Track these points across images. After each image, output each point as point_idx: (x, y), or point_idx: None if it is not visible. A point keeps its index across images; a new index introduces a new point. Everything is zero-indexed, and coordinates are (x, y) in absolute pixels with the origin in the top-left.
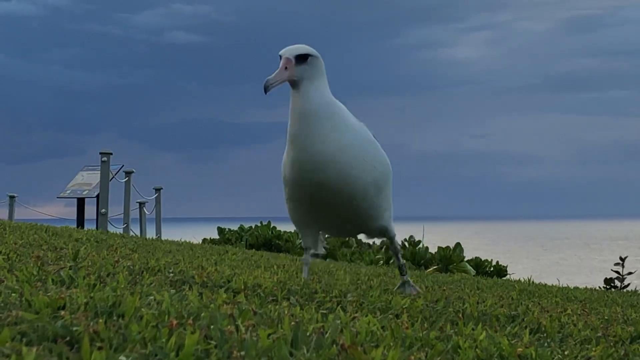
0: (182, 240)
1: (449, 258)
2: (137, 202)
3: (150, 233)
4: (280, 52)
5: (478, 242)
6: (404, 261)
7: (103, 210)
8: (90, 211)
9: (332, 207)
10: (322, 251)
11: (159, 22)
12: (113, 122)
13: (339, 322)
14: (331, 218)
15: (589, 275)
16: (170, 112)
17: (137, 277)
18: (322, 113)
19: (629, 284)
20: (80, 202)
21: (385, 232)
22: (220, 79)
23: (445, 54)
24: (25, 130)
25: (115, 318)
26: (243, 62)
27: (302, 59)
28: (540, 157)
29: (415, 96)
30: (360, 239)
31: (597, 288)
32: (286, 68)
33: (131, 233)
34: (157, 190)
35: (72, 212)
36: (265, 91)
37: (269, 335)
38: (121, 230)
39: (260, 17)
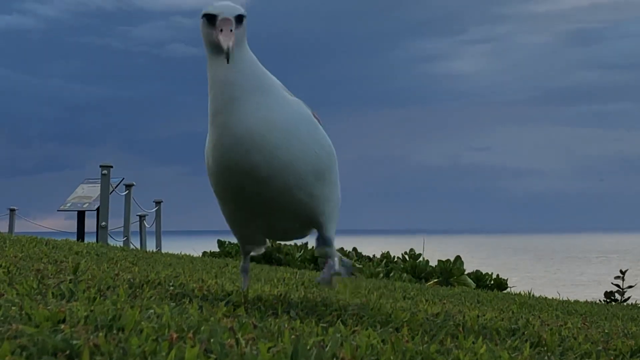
0: (183, 253)
1: (449, 271)
2: (137, 215)
3: (151, 246)
4: (213, 11)
5: (478, 255)
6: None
7: (103, 223)
8: (90, 224)
9: (263, 200)
10: (262, 250)
11: (159, 34)
12: (113, 135)
13: (339, 335)
14: (263, 215)
15: (589, 288)
16: (170, 124)
17: (138, 290)
18: (251, 84)
19: (629, 297)
20: (81, 215)
21: (320, 229)
22: None
23: (445, 66)
24: (26, 143)
25: (115, 331)
26: None
27: (239, 20)
28: (541, 170)
29: (416, 109)
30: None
31: (598, 301)
32: (230, 30)
33: (131, 246)
34: (158, 203)
35: (72, 225)
36: (228, 60)
37: (269, 348)
38: (121, 244)
39: (259, 30)
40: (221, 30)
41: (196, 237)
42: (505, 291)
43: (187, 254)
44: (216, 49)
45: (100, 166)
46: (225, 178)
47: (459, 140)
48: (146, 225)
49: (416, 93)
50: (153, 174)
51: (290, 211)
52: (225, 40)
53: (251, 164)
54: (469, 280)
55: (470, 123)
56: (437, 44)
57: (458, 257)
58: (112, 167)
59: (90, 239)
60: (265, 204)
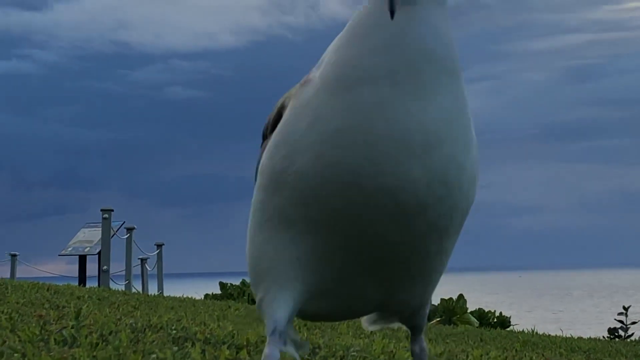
0: (185, 296)
1: (452, 310)
2: (139, 258)
3: (153, 289)
4: None
5: (481, 292)
6: None
7: (105, 267)
8: (92, 268)
9: (391, 245)
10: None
11: (158, 77)
12: (114, 179)
13: None
14: (375, 269)
15: (592, 324)
16: (171, 167)
17: (140, 334)
18: (443, 59)
19: (632, 334)
20: (82, 260)
21: (420, 306)
22: (220, 134)
23: None
24: (27, 187)
25: None
26: (242, 117)
27: None
28: (542, 206)
29: None
30: None
31: (601, 338)
32: None
33: (133, 289)
34: (159, 246)
35: (74, 270)
36: (393, 14)
37: None
38: (123, 287)
39: (259, 71)
40: None
41: (198, 279)
42: (508, 329)
43: (189, 296)
44: None
45: (101, 210)
46: (337, 187)
47: None
48: (148, 268)
49: None
50: (154, 216)
51: (423, 268)
52: None
53: (403, 179)
54: (472, 318)
55: None
56: None
57: (461, 296)
58: (112, 210)
59: (92, 283)
60: (391, 250)
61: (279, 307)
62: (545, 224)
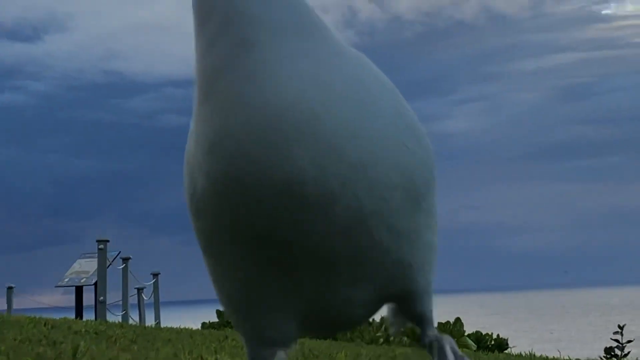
0: (182, 326)
1: (450, 333)
2: (135, 288)
3: (149, 318)
4: None
5: (477, 314)
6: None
7: (101, 298)
8: (88, 298)
9: (307, 243)
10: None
11: (151, 106)
12: (109, 208)
13: None
14: (305, 276)
15: (588, 343)
16: (165, 195)
17: None
18: (288, 20)
19: (629, 352)
20: (79, 291)
21: (411, 297)
22: None
23: (437, 126)
24: (23, 219)
25: None
26: None
27: None
28: (536, 225)
29: None
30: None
31: (598, 358)
32: None
33: (130, 320)
34: (155, 275)
35: (70, 300)
36: None
37: None
38: (120, 318)
39: None
40: None
41: (195, 306)
42: (506, 351)
43: (186, 327)
44: None
45: (97, 241)
46: (231, 200)
47: (454, 199)
48: (144, 297)
49: None
50: (150, 244)
51: (358, 264)
52: None
53: (291, 168)
54: (470, 341)
55: (464, 181)
56: (427, 105)
57: (458, 319)
58: (108, 241)
59: (88, 314)
60: (310, 251)
61: (251, 331)
62: (540, 243)
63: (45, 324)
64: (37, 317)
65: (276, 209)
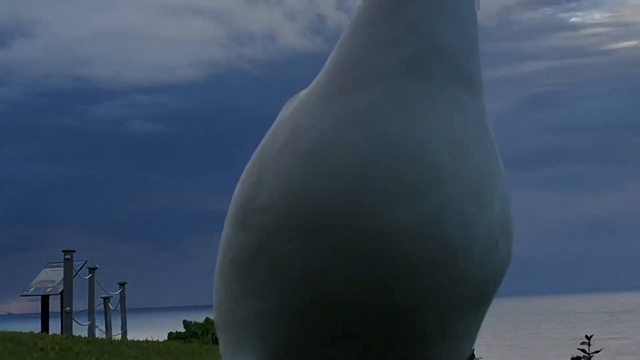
0: (148, 339)
1: None
2: (101, 297)
3: (116, 327)
4: None
5: None
6: None
7: (67, 308)
8: (55, 305)
9: (398, 315)
10: None
11: (118, 112)
12: (75, 215)
13: None
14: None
15: (556, 351)
16: (132, 202)
17: None
18: (461, 63)
19: None
20: (45, 300)
21: None
22: (181, 169)
23: None
24: None
25: None
26: (203, 150)
27: None
28: None
29: None
30: None
31: None
32: None
33: (96, 329)
34: (122, 285)
35: (36, 307)
36: None
37: None
38: (86, 328)
39: (219, 104)
40: None
41: (162, 314)
42: None
43: (153, 338)
44: None
45: (63, 251)
46: (312, 227)
47: None
48: (111, 307)
49: None
50: (116, 252)
51: (427, 348)
52: None
53: (397, 226)
54: None
55: None
56: None
57: None
58: (74, 251)
59: (54, 322)
60: (368, 323)
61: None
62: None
63: (11, 340)
64: (2, 331)
65: (347, 259)
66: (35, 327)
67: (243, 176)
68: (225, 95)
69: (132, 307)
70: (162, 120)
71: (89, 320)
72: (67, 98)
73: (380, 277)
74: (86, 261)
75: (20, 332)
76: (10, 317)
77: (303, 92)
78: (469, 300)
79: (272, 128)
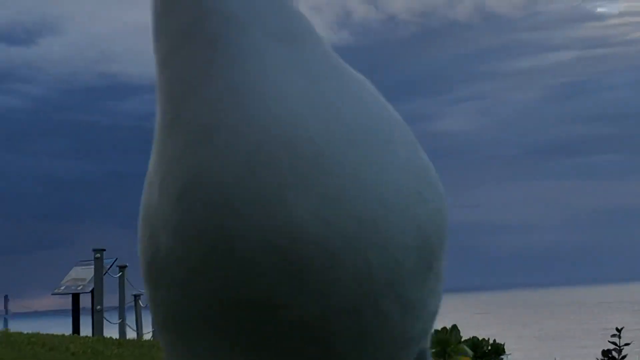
0: None
1: (446, 341)
2: (132, 295)
3: (147, 326)
4: None
5: (474, 315)
6: None
7: (98, 307)
8: (85, 301)
9: (293, 318)
10: None
11: (145, 108)
12: (104, 211)
13: None
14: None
15: (585, 343)
16: None
17: None
18: (272, 24)
19: (626, 355)
20: (75, 298)
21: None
22: None
23: (431, 126)
24: (17, 223)
25: None
26: None
27: None
28: (532, 224)
29: None
30: None
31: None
32: None
33: (127, 329)
34: None
35: (66, 302)
36: None
37: None
38: (117, 327)
39: None
40: None
41: None
42: (502, 357)
43: None
44: None
45: (93, 250)
46: (207, 263)
47: (449, 199)
48: (141, 304)
49: None
50: None
51: (358, 343)
52: None
53: (286, 222)
54: (467, 348)
55: (459, 181)
56: (421, 105)
57: (454, 326)
58: (104, 250)
59: (85, 319)
60: (305, 328)
61: None
62: (537, 241)
63: (43, 345)
64: (35, 333)
65: (265, 274)
66: (66, 323)
67: (138, 230)
68: None
69: None
70: None
71: (120, 319)
72: (95, 94)
73: (291, 274)
74: (116, 259)
75: (52, 335)
76: (41, 314)
77: None
78: (404, 272)
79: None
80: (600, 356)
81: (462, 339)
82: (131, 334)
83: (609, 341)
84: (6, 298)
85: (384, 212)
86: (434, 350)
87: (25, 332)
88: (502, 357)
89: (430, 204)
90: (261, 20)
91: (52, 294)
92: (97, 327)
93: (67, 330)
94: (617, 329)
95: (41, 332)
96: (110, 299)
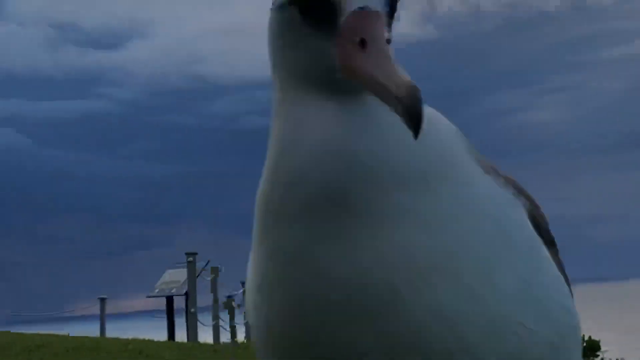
0: None
1: None
2: (225, 296)
3: (240, 327)
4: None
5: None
6: None
7: (192, 310)
8: (178, 301)
9: None
10: None
11: (234, 108)
12: (195, 211)
13: None
14: None
15: None
16: (252, 196)
17: None
18: (407, 167)
19: None
20: (169, 301)
21: None
22: None
23: (522, 118)
24: (112, 225)
25: None
26: None
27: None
28: (625, 215)
29: (494, 162)
30: None
31: None
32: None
33: (221, 331)
34: (244, 283)
35: (160, 303)
36: (417, 133)
37: None
38: (211, 329)
39: None
40: (365, 45)
41: None
42: (598, 355)
43: None
44: (345, 86)
45: (186, 254)
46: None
47: (541, 192)
48: (234, 305)
49: (494, 146)
50: (236, 246)
51: None
52: (395, 74)
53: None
54: None
55: (551, 173)
56: (512, 96)
57: None
58: (196, 254)
59: (179, 320)
60: None
61: None
62: (630, 233)
63: (140, 352)
64: (131, 340)
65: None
66: (161, 325)
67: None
68: None
69: None
70: None
71: (214, 321)
72: (183, 96)
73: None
74: (209, 261)
75: (148, 341)
76: (137, 314)
77: None
78: None
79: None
80: None
81: None
82: (225, 336)
83: None
84: (103, 301)
85: (462, 345)
86: None
87: (121, 337)
88: (598, 353)
89: (537, 334)
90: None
91: (147, 297)
92: (192, 330)
93: (162, 332)
94: None
95: (136, 336)
96: (203, 299)
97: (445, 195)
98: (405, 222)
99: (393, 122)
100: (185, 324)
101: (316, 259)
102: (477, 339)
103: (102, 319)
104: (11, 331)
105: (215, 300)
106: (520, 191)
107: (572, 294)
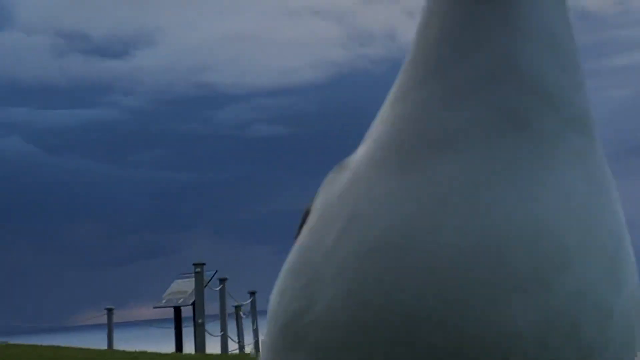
0: None
1: None
2: (233, 306)
3: (248, 337)
4: None
5: None
6: None
7: (200, 320)
8: (186, 310)
9: None
10: None
11: (242, 117)
12: (203, 219)
13: None
14: None
15: None
16: (259, 204)
17: None
18: (569, 104)
19: None
20: (177, 312)
21: None
22: (307, 168)
23: None
24: (120, 233)
25: None
26: (326, 150)
27: None
28: (632, 222)
29: None
30: None
31: None
32: None
33: (229, 341)
34: (252, 294)
35: (168, 312)
36: None
37: None
38: (219, 339)
39: (341, 104)
40: None
41: None
42: None
43: None
44: None
45: (194, 264)
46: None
47: None
48: (242, 315)
49: None
50: (244, 254)
51: None
52: None
53: (502, 333)
54: None
55: None
56: None
57: None
58: (204, 264)
59: (187, 330)
60: None
61: None
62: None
63: None
64: (139, 353)
65: None
66: (168, 335)
67: (282, 281)
68: (347, 95)
69: (263, 310)
70: (286, 122)
71: (221, 331)
72: (192, 104)
73: None
74: (216, 271)
75: (156, 354)
76: (144, 322)
77: (352, 160)
78: None
79: (309, 221)
80: None
81: None
82: (233, 347)
83: None
84: (110, 311)
85: (599, 346)
86: None
87: (128, 350)
88: None
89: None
90: (562, 106)
91: (154, 307)
92: (199, 341)
93: (170, 343)
94: None
95: (144, 346)
96: (210, 309)
97: (595, 156)
98: (574, 177)
99: None
100: (192, 333)
101: (481, 208)
102: (617, 330)
103: (110, 330)
104: (22, 343)
105: (223, 310)
106: None
107: None
